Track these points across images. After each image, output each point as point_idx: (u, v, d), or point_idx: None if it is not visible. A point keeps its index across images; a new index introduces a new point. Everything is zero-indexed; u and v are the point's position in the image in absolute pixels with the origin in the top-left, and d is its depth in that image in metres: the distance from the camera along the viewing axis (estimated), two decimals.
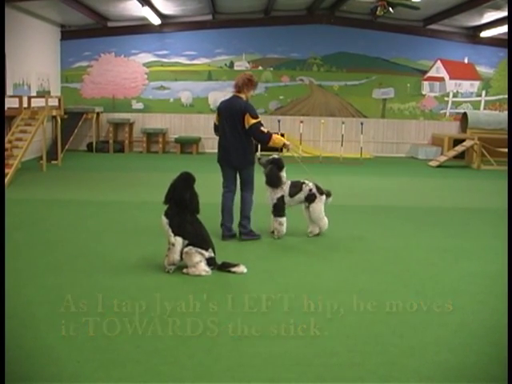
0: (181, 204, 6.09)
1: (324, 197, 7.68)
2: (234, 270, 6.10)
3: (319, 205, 7.63)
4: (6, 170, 11.60)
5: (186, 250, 6.03)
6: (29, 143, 12.74)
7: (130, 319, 4.78)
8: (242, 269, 6.13)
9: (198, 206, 6.22)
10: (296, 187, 7.64)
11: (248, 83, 7.38)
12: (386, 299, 5.40)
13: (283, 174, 7.63)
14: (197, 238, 6.10)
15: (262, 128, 7.21)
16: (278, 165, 7.60)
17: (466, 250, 7.37)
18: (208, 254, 6.08)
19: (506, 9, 15.04)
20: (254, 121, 7.17)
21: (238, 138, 7.28)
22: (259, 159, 7.76)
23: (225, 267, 6.14)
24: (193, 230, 6.10)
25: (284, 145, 7.52)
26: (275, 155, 7.87)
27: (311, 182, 7.73)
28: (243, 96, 7.40)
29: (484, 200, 11.29)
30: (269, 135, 7.27)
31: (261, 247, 7.21)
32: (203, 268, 6.00)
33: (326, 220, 7.70)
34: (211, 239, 6.31)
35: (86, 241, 7.38)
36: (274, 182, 7.53)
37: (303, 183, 7.68)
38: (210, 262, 6.09)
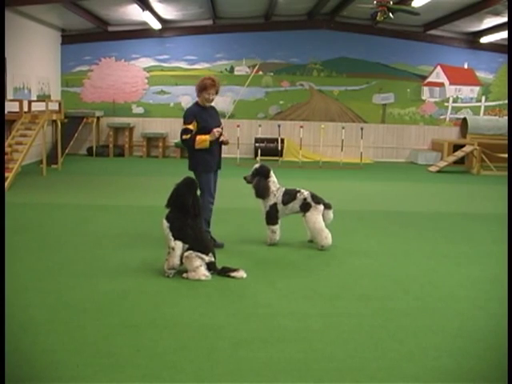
0: (183, 209, 6.11)
1: (321, 207, 7.37)
2: (233, 274, 6.11)
3: (314, 214, 7.32)
4: (6, 174, 11.60)
5: (186, 254, 6.04)
6: (29, 147, 12.75)
7: (129, 323, 4.79)
8: (242, 274, 6.13)
9: (200, 211, 6.27)
10: (290, 195, 7.42)
11: (198, 86, 7.21)
12: (386, 304, 5.42)
13: (273, 179, 7.50)
14: (197, 242, 6.11)
15: (183, 135, 7.12)
16: (263, 174, 7.46)
17: (465, 255, 7.37)
18: (208, 258, 6.09)
19: (506, 15, 15.08)
20: (182, 126, 7.16)
21: None
22: (245, 178, 7.58)
23: (224, 272, 6.14)
24: (193, 234, 6.11)
25: (220, 141, 7.35)
26: (256, 165, 7.66)
27: (307, 190, 7.49)
28: (199, 100, 7.26)
29: (483, 205, 11.30)
30: (191, 141, 7.08)
31: (260, 252, 7.21)
32: (203, 272, 6.01)
33: (326, 234, 7.31)
34: (212, 244, 6.33)
35: (86, 245, 7.38)
36: (261, 193, 7.40)
37: (298, 192, 7.43)
38: (210, 266, 6.10)
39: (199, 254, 6.03)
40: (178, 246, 6.07)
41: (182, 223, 6.10)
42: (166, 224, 6.12)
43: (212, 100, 7.27)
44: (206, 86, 7.11)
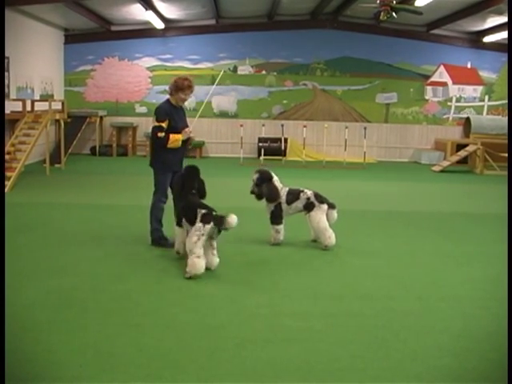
0: (179, 191, 6.60)
1: (325, 206, 7.37)
2: (227, 226, 6.07)
3: (318, 213, 7.33)
4: (10, 174, 11.63)
5: (186, 240, 6.20)
6: (32, 147, 12.76)
7: (131, 323, 4.79)
8: (233, 219, 6.04)
9: (205, 192, 6.71)
10: (293, 195, 7.44)
11: (175, 86, 7.16)
12: (389, 304, 5.41)
13: (275, 178, 7.48)
14: (185, 208, 6.38)
15: (158, 133, 7.04)
16: (267, 178, 7.43)
17: (468, 255, 7.36)
18: (203, 211, 6.12)
19: None
20: (155, 123, 7.08)
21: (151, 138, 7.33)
22: (252, 192, 7.51)
23: (219, 222, 6.08)
24: (182, 204, 6.50)
25: (186, 141, 7.23)
26: (255, 174, 7.52)
27: (310, 190, 7.51)
28: (173, 99, 7.22)
29: (486, 205, 11.29)
30: (165, 140, 7.02)
31: (263, 252, 7.20)
32: (200, 265, 5.95)
33: (329, 234, 7.31)
34: (200, 202, 6.44)
35: (89, 244, 7.38)
36: (273, 197, 7.36)
37: (301, 191, 7.45)
38: (205, 218, 6.04)
39: (197, 227, 6.02)
40: (178, 231, 6.59)
41: (179, 208, 6.62)
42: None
43: (186, 100, 7.34)
44: (184, 87, 7.11)
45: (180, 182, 6.59)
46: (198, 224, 6.03)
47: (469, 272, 6.57)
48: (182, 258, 6.53)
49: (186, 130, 7.17)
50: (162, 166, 7.20)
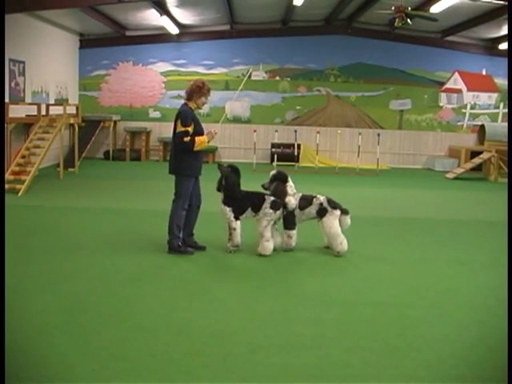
0: (234, 191, 7.21)
1: (338, 212, 7.35)
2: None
3: (330, 219, 7.31)
4: (24, 177, 11.69)
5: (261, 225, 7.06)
6: (46, 150, 12.81)
7: (144, 328, 4.79)
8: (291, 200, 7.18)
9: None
10: (306, 200, 7.43)
11: (197, 90, 7.18)
12: (402, 311, 5.38)
13: (290, 184, 7.52)
14: (254, 199, 7.19)
15: (184, 138, 7.00)
16: (281, 179, 7.48)
17: (482, 262, 7.31)
18: (269, 199, 7.15)
19: None
20: (181, 128, 7.03)
21: (172, 144, 7.27)
22: (263, 185, 7.58)
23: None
24: (245, 201, 7.20)
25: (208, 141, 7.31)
26: (273, 171, 7.67)
27: (323, 196, 7.49)
28: (192, 104, 7.23)
29: (501, 213, 11.19)
30: (191, 144, 7.01)
31: (277, 259, 7.18)
32: (269, 248, 7.07)
33: (341, 239, 7.29)
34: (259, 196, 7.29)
35: (102, 248, 7.40)
36: (278, 198, 7.37)
37: (314, 197, 7.45)
38: (275, 206, 7.14)
39: (267, 213, 7.06)
40: (239, 225, 7.15)
41: (239, 203, 7.14)
42: (227, 209, 7.15)
43: (206, 104, 7.53)
44: (206, 92, 7.23)
45: (236, 181, 7.27)
46: (269, 210, 7.07)
47: (483, 280, 6.53)
48: (196, 262, 6.53)
49: (212, 131, 7.24)
50: (187, 172, 7.17)
